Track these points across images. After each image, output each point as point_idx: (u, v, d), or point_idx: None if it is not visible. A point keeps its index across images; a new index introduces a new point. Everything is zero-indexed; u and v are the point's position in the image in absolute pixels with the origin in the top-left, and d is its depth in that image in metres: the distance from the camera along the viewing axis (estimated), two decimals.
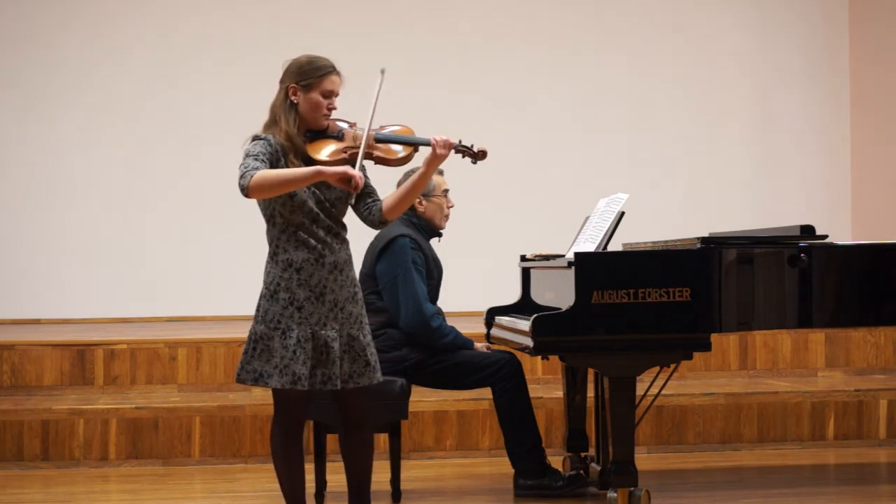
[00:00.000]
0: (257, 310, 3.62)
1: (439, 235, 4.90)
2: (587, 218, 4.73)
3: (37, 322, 8.40)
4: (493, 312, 5.02)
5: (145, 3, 8.89)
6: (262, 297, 3.62)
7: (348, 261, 3.70)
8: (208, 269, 8.64)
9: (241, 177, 3.43)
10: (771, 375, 6.40)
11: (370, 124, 3.64)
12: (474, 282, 7.86)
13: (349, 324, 3.65)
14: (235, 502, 4.78)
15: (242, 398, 5.78)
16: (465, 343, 4.78)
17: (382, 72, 3.65)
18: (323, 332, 3.58)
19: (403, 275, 4.58)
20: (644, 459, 5.31)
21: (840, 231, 8.76)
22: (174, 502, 4.78)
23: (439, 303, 4.88)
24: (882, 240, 4.59)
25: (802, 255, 4.29)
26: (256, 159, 3.49)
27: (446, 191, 4.86)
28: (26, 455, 5.45)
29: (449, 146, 3.65)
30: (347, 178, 3.44)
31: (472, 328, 5.20)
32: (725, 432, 5.78)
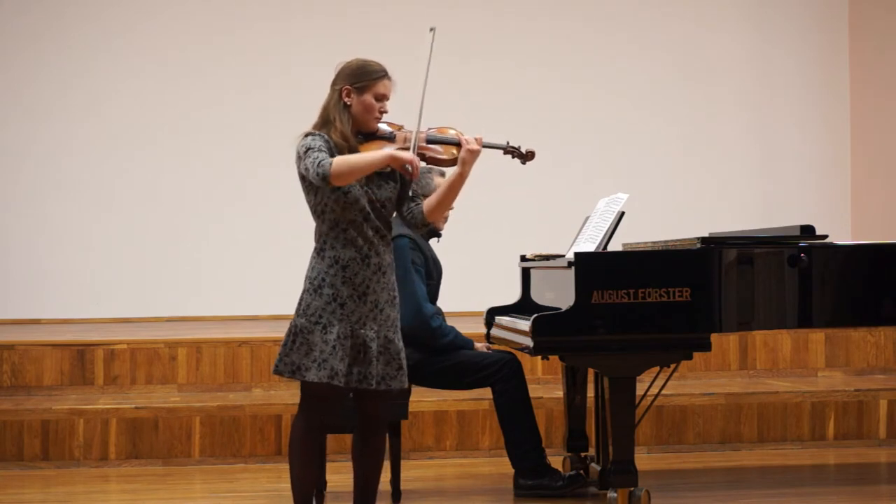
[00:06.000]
0: (299, 304, 3.64)
1: (438, 236, 4.90)
2: (587, 218, 4.73)
3: (37, 322, 8.40)
4: (493, 312, 5.02)
5: None
6: (304, 291, 3.64)
7: (391, 264, 3.73)
8: (208, 269, 8.62)
9: (318, 166, 3.46)
10: (771, 375, 6.40)
11: (418, 125, 3.65)
12: (474, 282, 7.86)
13: (386, 326, 3.67)
14: (235, 502, 4.78)
15: (242, 398, 5.78)
16: (465, 343, 4.78)
17: (432, 30, 3.67)
18: (362, 331, 3.60)
19: (403, 275, 4.57)
20: (644, 459, 5.31)
21: (840, 231, 8.76)
22: (174, 502, 4.78)
23: (439, 303, 4.88)
24: (882, 240, 4.59)
25: (802, 255, 4.29)
26: (321, 151, 3.53)
27: None
28: (26, 455, 5.44)
29: (479, 142, 3.69)
30: (410, 164, 3.49)
31: (472, 328, 5.20)
32: (725, 432, 5.77)
